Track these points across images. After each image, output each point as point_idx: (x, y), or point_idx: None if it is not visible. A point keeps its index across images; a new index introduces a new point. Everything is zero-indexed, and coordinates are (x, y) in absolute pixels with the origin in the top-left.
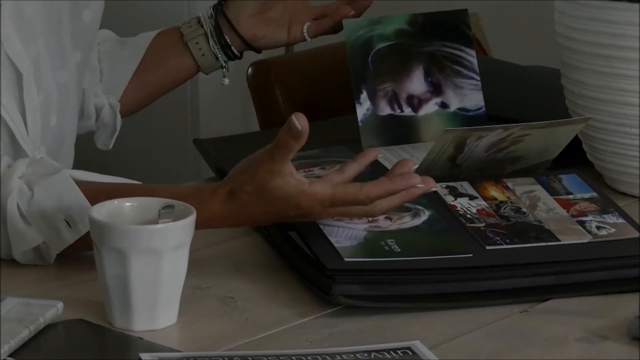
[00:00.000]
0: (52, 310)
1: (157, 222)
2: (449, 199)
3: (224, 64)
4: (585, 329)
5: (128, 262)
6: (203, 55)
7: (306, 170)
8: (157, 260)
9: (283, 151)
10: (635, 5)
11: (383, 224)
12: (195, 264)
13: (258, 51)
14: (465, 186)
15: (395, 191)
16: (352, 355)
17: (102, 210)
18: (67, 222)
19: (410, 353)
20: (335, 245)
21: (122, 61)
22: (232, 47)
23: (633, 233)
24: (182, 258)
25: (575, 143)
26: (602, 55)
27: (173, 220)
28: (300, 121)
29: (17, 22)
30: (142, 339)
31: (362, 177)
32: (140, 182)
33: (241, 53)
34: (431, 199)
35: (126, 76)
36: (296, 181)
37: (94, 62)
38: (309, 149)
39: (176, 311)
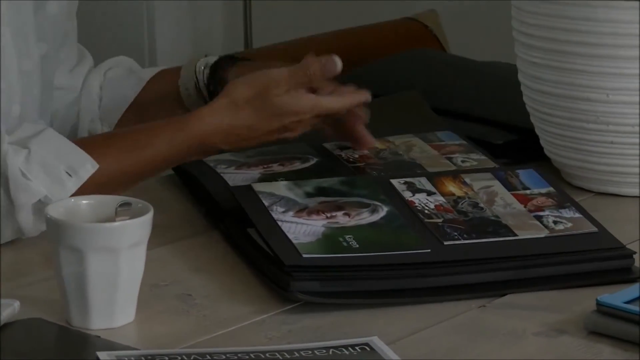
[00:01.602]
0: (9, 309)
1: (114, 220)
2: (407, 194)
3: None
4: (542, 324)
5: (85, 260)
6: (193, 103)
7: (264, 166)
8: (114, 258)
9: (300, 70)
10: (591, 2)
11: (341, 220)
12: (153, 262)
13: None
14: (423, 182)
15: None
16: (310, 352)
17: (59, 208)
18: (67, 173)
19: (369, 349)
20: (294, 241)
21: (121, 90)
22: None
23: (590, 227)
24: (140, 256)
25: (533, 138)
26: (558, 51)
27: (130, 218)
28: (338, 62)
29: None
30: (99, 337)
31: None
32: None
33: None
34: (389, 195)
35: (121, 106)
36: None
37: (95, 87)
38: (267, 146)
39: (134, 309)
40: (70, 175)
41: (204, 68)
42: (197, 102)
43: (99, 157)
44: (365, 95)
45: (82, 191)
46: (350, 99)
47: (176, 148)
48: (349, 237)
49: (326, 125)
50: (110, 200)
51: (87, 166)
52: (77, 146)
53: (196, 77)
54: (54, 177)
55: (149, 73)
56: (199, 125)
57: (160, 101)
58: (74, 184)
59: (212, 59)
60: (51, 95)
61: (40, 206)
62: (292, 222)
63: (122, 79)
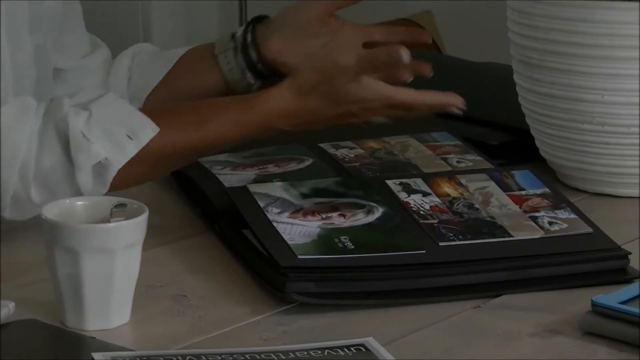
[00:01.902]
0: (4, 310)
1: (109, 221)
2: (403, 195)
3: (252, 82)
4: (537, 324)
5: (80, 261)
6: (231, 70)
7: (260, 167)
8: (110, 259)
9: (372, 67)
10: (586, 2)
11: (337, 221)
12: (148, 263)
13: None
14: (418, 183)
15: (441, 104)
16: (305, 353)
17: (54, 209)
18: (128, 137)
19: (364, 350)
20: (289, 242)
21: (151, 69)
22: (259, 65)
23: (585, 228)
24: (135, 257)
25: (528, 139)
26: (553, 52)
27: (125, 219)
28: (406, 52)
29: None
30: (94, 338)
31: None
32: None
33: (274, 73)
34: (385, 196)
35: (151, 82)
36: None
37: (123, 68)
38: (263, 146)
39: (129, 310)
40: (131, 138)
41: (241, 33)
42: (237, 68)
43: (163, 127)
44: (450, 98)
45: (143, 160)
46: (429, 95)
47: (242, 128)
48: (344, 238)
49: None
50: (106, 201)
51: (148, 130)
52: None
53: (235, 42)
54: (115, 140)
55: (179, 52)
56: (266, 108)
57: (193, 74)
58: (134, 147)
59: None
60: (50, 83)
61: (100, 169)
62: (287, 223)
63: (151, 59)
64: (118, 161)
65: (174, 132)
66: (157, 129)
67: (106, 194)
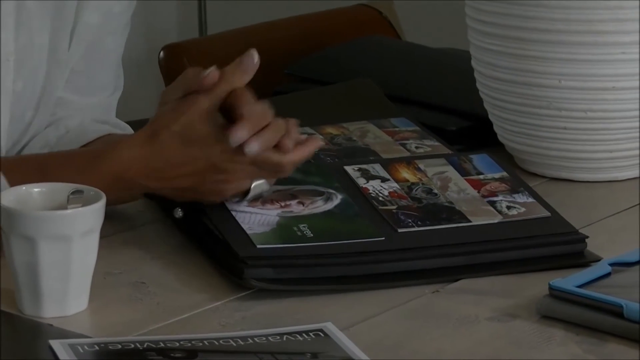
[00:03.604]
0: None
1: (66, 208)
2: (361, 181)
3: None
4: (495, 308)
5: (37, 248)
6: None
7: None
8: (67, 246)
9: (223, 85)
10: None
11: (295, 208)
12: (107, 250)
13: None
14: (377, 168)
15: (310, 153)
16: (264, 338)
17: (10, 197)
18: None
19: (323, 335)
20: (248, 232)
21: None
22: None
23: (543, 212)
24: (92, 244)
25: (486, 124)
26: (511, 37)
27: (82, 205)
28: (254, 55)
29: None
30: (52, 325)
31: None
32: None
33: None
34: (344, 182)
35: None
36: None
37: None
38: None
39: (87, 297)
40: None
41: None
42: None
43: (8, 178)
44: (318, 144)
45: None
46: (298, 153)
47: (89, 178)
48: (304, 226)
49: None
50: (63, 188)
51: None
52: None
53: None
54: None
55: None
56: (113, 156)
57: None
58: None
59: None
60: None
61: None
62: (246, 212)
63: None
64: None
65: (19, 180)
66: (6, 187)
67: None
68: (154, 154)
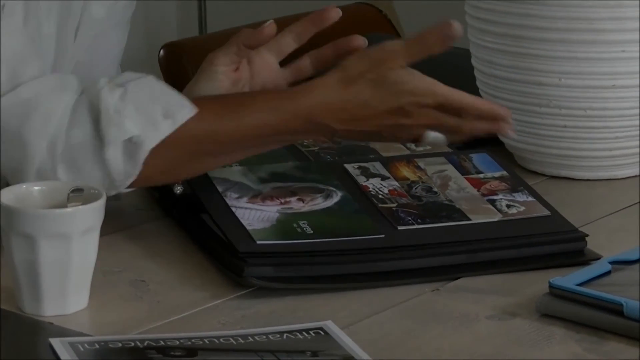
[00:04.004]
0: None
1: (66, 206)
2: (361, 179)
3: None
4: (495, 307)
5: (37, 246)
6: None
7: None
8: (67, 244)
9: (422, 48)
10: None
11: (295, 205)
12: (106, 248)
13: None
14: (377, 166)
15: (495, 115)
16: (264, 337)
17: (10, 195)
18: (163, 116)
19: (323, 333)
20: (248, 228)
21: None
22: None
23: (542, 211)
24: (92, 242)
25: None
26: (511, 35)
27: (82, 204)
28: (457, 26)
29: None
30: (52, 324)
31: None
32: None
33: None
34: (343, 180)
35: None
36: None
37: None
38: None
39: (87, 295)
40: (166, 118)
41: None
42: None
43: (201, 109)
44: (503, 110)
45: (178, 143)
46: (484, 102)
47: (282, 117)
48: (303, 223)
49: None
50: (62, 186)
51: (185, 110)
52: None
53: None
54: (149, 118)
55: None
56: (307, 98)
57: None
58: (169, 126)
59: None
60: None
61: (131, 147)
62: (246, 208)
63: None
64: (151, 139)
65: (211, 115)
66: (195, 110)
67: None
68: (347, 98)
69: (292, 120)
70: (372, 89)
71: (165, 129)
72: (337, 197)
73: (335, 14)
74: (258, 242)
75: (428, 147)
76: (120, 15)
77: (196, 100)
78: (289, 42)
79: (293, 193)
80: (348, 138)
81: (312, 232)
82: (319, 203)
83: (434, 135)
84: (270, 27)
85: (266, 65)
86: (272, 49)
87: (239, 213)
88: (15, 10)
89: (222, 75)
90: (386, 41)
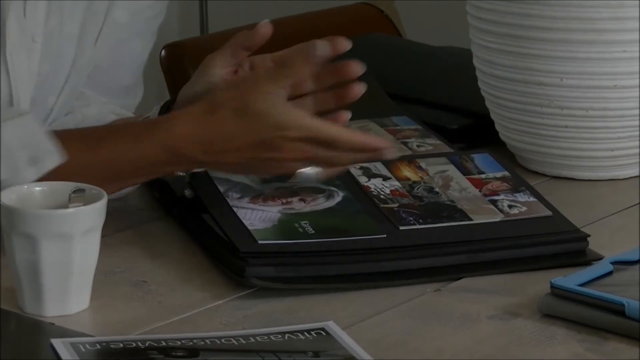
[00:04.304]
0: None
1: (67, 207)
2: (363, 179)
3: (181, 173)
4: (497, 307)
5: (38, 247)
6: None
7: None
8: (68, 244)
9: (288, 71)
10: None
11: (297, 205)
12: (108, 248)
13: None
14: (378, 167)
15: (368, 148)
16: (266, 337)
17: (12, 195)
18: (29, 161)
19: (324, 334)
20: (249, 227)
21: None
22: None
23: (544, 211)
24: (94, 242)
25: (488, 123)
26: (512, 35)
27: (84, 204)
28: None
29: None
30: (53, 324)
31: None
32: None
33: None
34: (345, 180)
35: None
36: (284, 100)
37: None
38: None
39: (88, 296)
40: (31, 165)
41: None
42: None
43: (66, 146)
44: (383, 143)
45: (54, 176)
46: (357, 134)
47: (144, 147)
48: (305, 223)
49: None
50: (64, 187)
51: (51, 158)
52: (50, 136)
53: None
54: (13, 164)
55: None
56: (170, 129)
57: None
58: (33, 174)
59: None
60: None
61: None
62: (247, 208)
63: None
64: (12, 185)
65: (74, 151)
66: (61, 160)
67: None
68: (210, 129)
69: (155, 151)
70: (237, 120)
71: (29, 176)
72: (338, 197)
73: (346, 46)
74: (259, 242)
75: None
76: (145, 24)
77: (61, 135)
78: (294, 58)
79: (295, 193)
80: (216, 170)
81: (313, 232)
82: (321, 203)
83: (306, 174)
84: (265, 27)
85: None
86: (277, 59)
87: (240, 213)
88: (37, 6)
89: (218, 77)
90: (258, 64)
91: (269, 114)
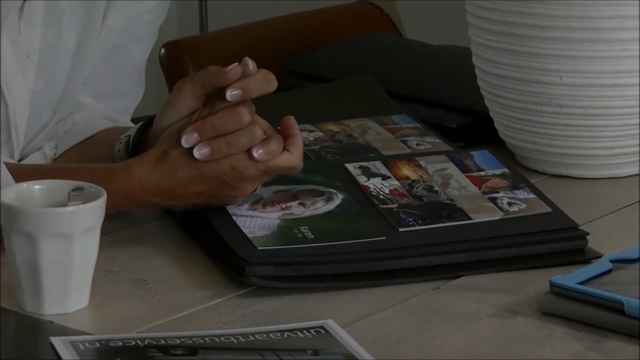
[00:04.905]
0: None
1: (67, 205)
2: (362, 179)
3: None
4: (496, 305)
5: (38, 245)
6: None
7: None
8: (68, 243)
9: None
10: None
11: (296, 210)
12: (107, 247)
13: None
14: (378, 165)
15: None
16: (265, 335)
17: (11, 194)
18: None
19: (323, 332)
20: (249, 236)
21: (71, 137)
22: None
23: (544, 208)
24: (93, 241)
25: (487, 121)
26: (512, 34)
27: (83, 203)
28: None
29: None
30: (53, 322)
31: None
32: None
33: None
34: (344, 180)
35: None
36: None
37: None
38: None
39: (87, 294)
40: None
41: (134, 132)
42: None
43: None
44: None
45: None
46: (299, 141)
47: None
48: (304, 228)
49: None
50: (63, 185)
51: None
52: (10, 173)
53: (128, 139)
54: None
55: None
56: (124, 176)
57: (103, 149)
58: None
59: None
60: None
61: None
62: (247, 215)
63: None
64: None
65: None
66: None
67: None
68: (164, 174)
69: (117, 200)
70: (187, 166)
71: None
72: (338, 199)
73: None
74: (259, 247)
75: None
76: (143, 29)
77: (18, 172)
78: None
79: (294, 197)
80: (180, 209)
81: (313, 237)
82: (320, 207)
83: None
84: (234, 70)
85: None
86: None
87: (239, 221)
88: (33, 22)
89: (186, 109)
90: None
91: (221, 160)
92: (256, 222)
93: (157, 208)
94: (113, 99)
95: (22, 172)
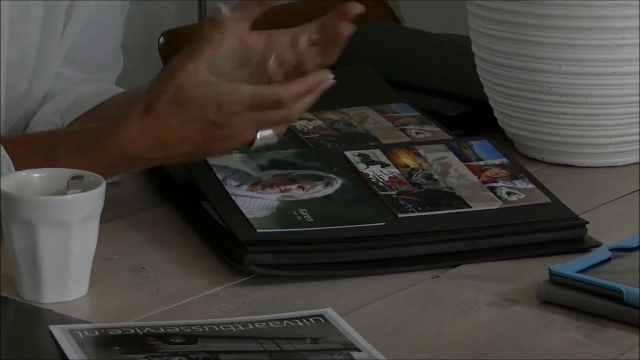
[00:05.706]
0: None
1: (65, 193)
2: (361, 167)
3: None
4: (495, 294)
5: (36, 234)
6: None
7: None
8: (67, 231)
9: (202, 43)
10: None
11: (295, 193)
12: (106, 235)
13: None
14: (377, 153)
15: (311, 87)
16: (264, 324)
17: (9, 182)
18: None
19: (323, 320)
20: (248, 216)
21: (85, 103)
22: None
23: (543, 198)
24: (92, 229)
25: (487, 110)
26: (511, 22)
27: (82, 191)
28: (224, 8)
29: None
30: (52, 311)
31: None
32: None
33: None
34: (344, 168)
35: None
36: (215, 77)
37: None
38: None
39: (87, 283)
40: None
41: None
42: None
43: (14, 158)
44: (318, 76)
45: None
46: (300, 83)
47: (97, 158)
48: (304, 211)
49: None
50: (62, 173)
51: (3, 166)
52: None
53: None
54: None
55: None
56: (114, 133)
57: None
58: None
59: None
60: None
61: None
62: (246, 196)
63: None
64: None
65: (22, 163)
66: (11, 170)
67: None
68: (153, 126)
69: (109, 158)
70: (175, 112)
71: None
72: (337, 184)
73: (359, 10)
74: (258, 230)
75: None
76: None
77: (12, 144)
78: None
79: (293, 180)
80: (175, 163)
81: (312, 220)
82: (319, 191)
83: (261, 136)
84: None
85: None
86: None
87: (239, 201)
88: None
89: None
90: (172, 60)
91: (204, 96)
92: (255, 203)
93: (151, 164)
94: (95, 70)
95: (14, 141)
